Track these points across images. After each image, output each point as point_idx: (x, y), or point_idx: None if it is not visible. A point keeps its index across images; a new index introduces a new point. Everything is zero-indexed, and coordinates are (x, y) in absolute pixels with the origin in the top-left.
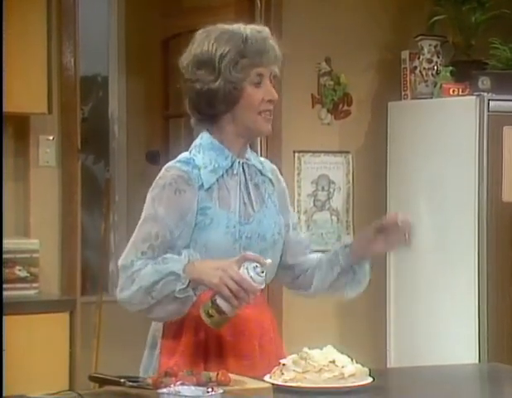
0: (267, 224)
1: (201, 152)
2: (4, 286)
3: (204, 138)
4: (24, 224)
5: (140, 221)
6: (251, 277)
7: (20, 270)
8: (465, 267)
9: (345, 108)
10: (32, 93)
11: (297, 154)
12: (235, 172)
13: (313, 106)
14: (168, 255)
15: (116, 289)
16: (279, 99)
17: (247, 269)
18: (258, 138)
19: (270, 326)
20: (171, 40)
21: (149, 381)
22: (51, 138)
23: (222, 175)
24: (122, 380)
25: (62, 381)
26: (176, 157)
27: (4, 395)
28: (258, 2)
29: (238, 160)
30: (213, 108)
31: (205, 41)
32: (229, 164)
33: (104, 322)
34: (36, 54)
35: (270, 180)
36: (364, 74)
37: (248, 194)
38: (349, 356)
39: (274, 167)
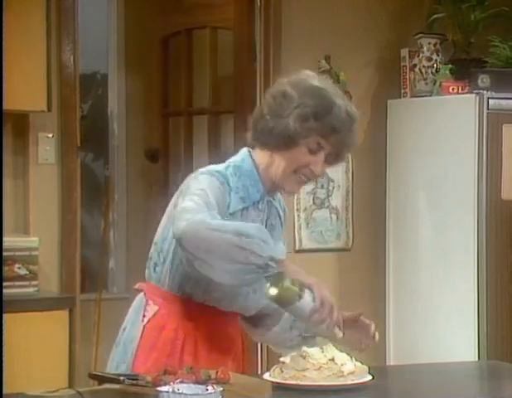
0: None
1: (237, 176)
2: (3, 284)
3: (246, 162)
4: (23, 221)
5: (184, 197)
6: None
7: (19, 268)
8: (464, 265)
9: None
10: (32, 90)
11: None
12: (260, 207)
13: None
14: None
15: (177, 224)
16: None
17: None
18: None
19: (240, 338)
20: (171, 38)
21: (148, 378)
22: (51, 135)
23: (248, 206)
24: (121, 377)
25: (61, 379)
26: (175, 155)
27: (4, 392)
28: (258, 1)
29: (266, 198)
30: (264, 136)
31: (300, 84)
32: (258, 198)
33: (104, 320)
34: (36, 51)
35: (281, 223)
36: (363, 72)
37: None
38: (348, 354)
39: (285, 206)
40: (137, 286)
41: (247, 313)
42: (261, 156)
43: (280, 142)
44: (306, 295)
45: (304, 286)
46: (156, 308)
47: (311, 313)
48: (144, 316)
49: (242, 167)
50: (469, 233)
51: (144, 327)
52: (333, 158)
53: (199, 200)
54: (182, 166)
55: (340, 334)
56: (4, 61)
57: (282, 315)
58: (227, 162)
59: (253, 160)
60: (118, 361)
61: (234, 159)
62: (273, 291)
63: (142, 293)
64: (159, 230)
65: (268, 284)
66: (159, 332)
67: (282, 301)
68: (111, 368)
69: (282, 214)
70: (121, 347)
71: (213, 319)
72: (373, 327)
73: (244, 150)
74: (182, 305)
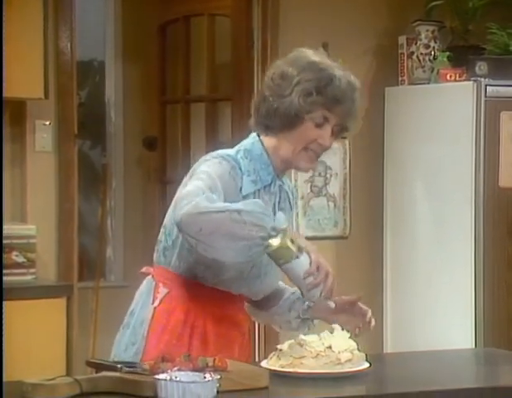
0: None
1: (248, 159)
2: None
3: (255, 146)
4: (21, 209)
5: (190, 180)
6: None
7: (17, 256)
8: (461, 252)
9: None
10: (29, 78)
11: None
12: (272, 190)
13: None
14: None
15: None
16: None
17: None
18: None
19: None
20: (168, 25)
21: (146, 366)
22: (48, 123)
23: (259, 189)
24: (119, 365)
25: (59, 367)
26: (172, 142)
27: (4, 380)
28: None
29: (277, 181)
30: (269, 119)
31: (298, 61)
32: (269, 181)
33: (101, 308)
34: (33, 39)
35: (291, 207)
36: (361, 59)
37: (274, 216)
38: (351, 337)
39: (294, 191)
40: (144, 269)
41: (256, 296)
42: (267, 140)
43: (285, 121)
44: (303, 257)
45: (302, 249)
46: (166, 290)
47: (306, 275)
48: (155, 298)
49: (252, 150)
50: (466, 220)
51: (155, 309)
52: (339, 130)
53: (201, 183)
54: (180, 153)
55: (332, 305)
56: (4, 49)
57: (282, 296)
58: (237, 146)
59: (263, 144)
60: (126, 343)
61: (244, 143)
62: (272, 246)
63: (150, 277)
64: (168, 213)
65: (270, 240)
66: (170, 314)
67: (279, 257)
68: (118, 351)
69: (291, 198)
70: (130, 329)
71: (223, 304)
72: (369, 313)
73: (254, 134)
74: (193, 289)
